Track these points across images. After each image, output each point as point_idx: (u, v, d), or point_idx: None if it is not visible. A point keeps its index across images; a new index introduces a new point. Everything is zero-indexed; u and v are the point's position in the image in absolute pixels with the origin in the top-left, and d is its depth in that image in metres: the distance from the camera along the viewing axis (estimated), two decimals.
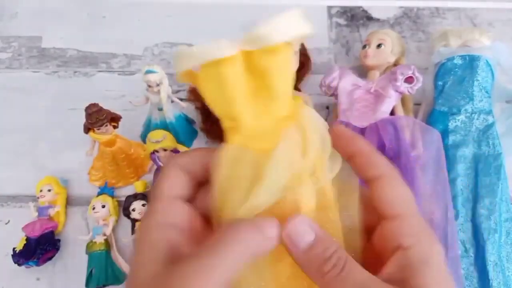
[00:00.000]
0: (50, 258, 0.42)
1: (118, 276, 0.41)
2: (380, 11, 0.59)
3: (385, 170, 0.23)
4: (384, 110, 0.43)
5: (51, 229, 0.43)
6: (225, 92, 0.19)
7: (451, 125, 0.44)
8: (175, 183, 0.23)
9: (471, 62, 0.45)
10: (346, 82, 0.46)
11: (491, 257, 0.39)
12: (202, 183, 0.24)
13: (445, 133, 0.44)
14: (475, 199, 0.41)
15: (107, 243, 0.42)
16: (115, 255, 0.43)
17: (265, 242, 0.20)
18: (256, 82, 0.20)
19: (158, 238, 0.20)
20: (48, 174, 0.46)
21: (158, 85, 0.42)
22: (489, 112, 0.44)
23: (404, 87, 0.43)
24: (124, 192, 0.45)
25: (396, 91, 0.43)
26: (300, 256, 0.21)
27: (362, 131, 0.43)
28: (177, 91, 0.52)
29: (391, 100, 0.44)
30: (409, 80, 0.43)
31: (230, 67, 0.19)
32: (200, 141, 0.49)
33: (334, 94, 0.47)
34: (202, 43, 0.19)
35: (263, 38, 0.19)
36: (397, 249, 0.21)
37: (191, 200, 0.23)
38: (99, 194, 0.44)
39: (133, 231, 0.42)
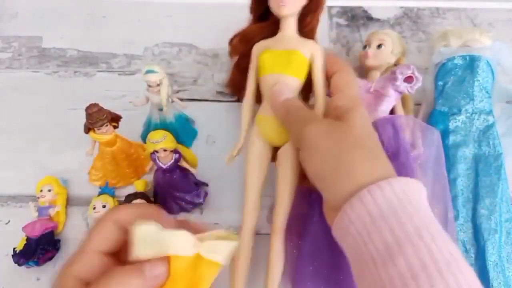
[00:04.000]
0: (50, 258, 0.42)
1: None
2: (380, 11, 0.59)
3: (341, 68, 0.37)
4: (383, 110, 0.43)
5: (51, 229, 0.43)
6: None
7: (452, 125, 0.44)
8: (104, 238, 0.26)
9: (471, 62, 0.45)
10: None
11: (491, 257, 0.39)
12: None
13: (445, 133, 0.44)
14: (475, 199, 0.41)
15: None
16: None
17: (147, 282, 0.24)
18: (189, 280, 0.25)
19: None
20: (48, 174, 0.46)
21: (158, 85, 0.42)
22: (490, 112, 0.44)
23: (403, 86, 0.43)
24: (125, 192, 0.45)
25: (396, 90, 0.43)
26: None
27: None
28: (177, 91, 0.52)
29: (391, 100, 0.44)
30: (408, 79, 0.43)
31: (183, 263, 0.24)
32: (200, 141, 0.49)
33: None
34: (170, 234, 0.24)
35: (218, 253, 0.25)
36: (334, 109, 0.34)
37: (118, 249, 0.26)
38: (100, 194, 0.44)
39: None
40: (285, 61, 0.38)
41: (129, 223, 0.25)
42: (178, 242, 0.24)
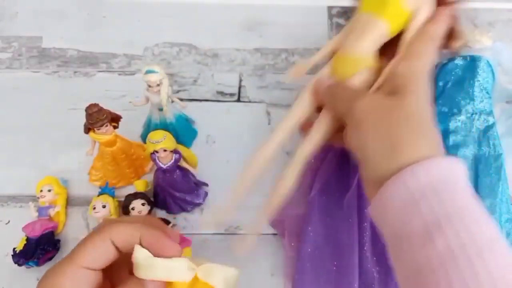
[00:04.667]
0: (50, 259, 0.42)
1: None
2: None
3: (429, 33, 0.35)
4: None
5: (51, 229, 0.43)
6: None
7: (452, 125, 0.44)
8: (98, 256, 0.25)
9: (472, 62, 0.45)
10: None
11: None
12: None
13: (445, 134, 0.44)
14: None
15: None
16: None
17: None
18: None
19: None
20: (48, 174, 0.46)
21: (158, 85, 0.42)
22: (490, 113, 0.44)
23: None
24: (125, 192, 0.45)
25: None
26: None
27: None
28: (177, 91, 0.52)
29: None
30: None
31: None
32: (200, 141, 0.49)
33: None
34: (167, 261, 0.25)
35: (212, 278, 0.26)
36: (394, 76, 0.33)
37: (109, 266, 0.26)
38: (100, 194, 0.44)
39: None
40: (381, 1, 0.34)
41: (124, 244, 0.25)
42: (175, 270, 0.25)
